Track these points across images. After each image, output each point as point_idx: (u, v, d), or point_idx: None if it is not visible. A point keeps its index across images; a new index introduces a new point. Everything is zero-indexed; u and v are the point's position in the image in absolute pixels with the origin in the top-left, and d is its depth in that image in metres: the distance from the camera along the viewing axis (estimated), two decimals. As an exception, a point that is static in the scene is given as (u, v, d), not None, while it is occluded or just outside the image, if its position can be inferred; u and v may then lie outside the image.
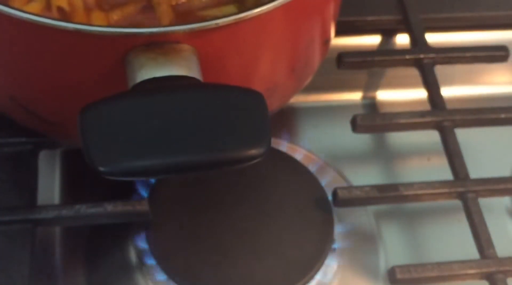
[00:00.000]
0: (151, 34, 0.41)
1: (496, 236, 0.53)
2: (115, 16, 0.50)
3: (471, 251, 0.53)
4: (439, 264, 0.52)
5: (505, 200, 0.60)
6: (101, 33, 0.41)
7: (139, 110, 0.39)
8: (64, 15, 0.50)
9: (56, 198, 0.55)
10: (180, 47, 0.42)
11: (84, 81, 0.45)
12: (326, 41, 0.54)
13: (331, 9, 0.53)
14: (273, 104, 0.53)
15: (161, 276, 0.51)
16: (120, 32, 0.41)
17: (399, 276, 0.51)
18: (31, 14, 0.41)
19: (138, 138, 0.38)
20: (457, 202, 0.55)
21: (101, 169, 0.38)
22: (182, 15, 0.51)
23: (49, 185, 0.54)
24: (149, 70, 0.41)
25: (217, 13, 0.51)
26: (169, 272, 0.51)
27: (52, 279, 0.52)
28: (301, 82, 0.55)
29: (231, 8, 0.51)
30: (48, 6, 0.50)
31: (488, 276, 0.52)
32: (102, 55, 0.43)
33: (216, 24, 0.42)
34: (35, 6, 0.50)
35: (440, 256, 0.55)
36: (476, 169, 0.56)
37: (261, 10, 0.43)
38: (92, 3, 0.51)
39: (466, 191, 0.55)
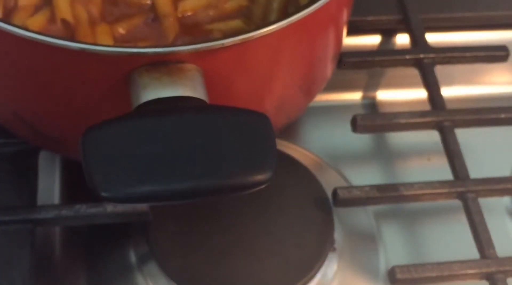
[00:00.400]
0: (156, 53, 0.41)
1: (496, 236, 0.53)
2: (120, 29, 0.50)
3: (471, 251, 0.53)
4: (439, 264, 0.52)
5: (505, 200, 0.60)
6: (106, 53, 0.41)
7: (142, 133, 0.38)
8: (68, 28, 0.49)
9: (56, 198, 0.55)
10: (185, 67, 0.41)
11: (88, 99, 0.44)
12: (335, 55, 0.53)
13: (342, 23, 0.52)
14: (280, 122, 0.52)
15: (161, 277, 0.51)
16: (125, 52, 0.41)
17: (399, 276, 0.51)
18: (34, 32, 0.41)
19: (142, 163, 0.38)
20: (457, 202, 0.55)
21: (104, 194, 0.37)
22: (188, 28, 0.50)
23: (49, 185, 0.54)
24: (154, 90, 0.40)
25: (223, 27, 0.50)
26: (169, 272, 0.51)
27: (52, 279, 0.52)
28: (309, 98, 0.54)
29: (237, 22, 0.51)
30: (52, 18, 0.50)
31: (488, 276, 0.52)
32: (106, 74, 0.42)
33: (222, 44, 0.41)
34: (39, 19, 0.50)
35: (440, 256, 0.55)
36: (476, 169, 0.56)
37: (268, 30, 0.42)
38: (97, 15, 0.50)
39: (466, 191, 0.55)
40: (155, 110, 0.40)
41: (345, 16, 0.52)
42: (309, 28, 0.46)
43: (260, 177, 0.38)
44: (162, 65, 0.41)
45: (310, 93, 0.54)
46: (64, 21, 0.50)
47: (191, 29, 0.50)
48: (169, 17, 0.50)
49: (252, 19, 0.51)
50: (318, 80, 0.53)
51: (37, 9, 0.50)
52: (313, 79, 0.52)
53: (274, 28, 0.42)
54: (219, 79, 0.43)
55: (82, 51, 0.40)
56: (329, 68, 0.53)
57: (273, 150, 0.39)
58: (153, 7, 0.51)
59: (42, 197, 0.53)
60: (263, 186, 0.38)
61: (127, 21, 0.51)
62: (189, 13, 0.51)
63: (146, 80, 0.40)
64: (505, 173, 0.60)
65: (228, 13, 0.51)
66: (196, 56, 0.41)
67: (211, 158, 0.38)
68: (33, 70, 0.44)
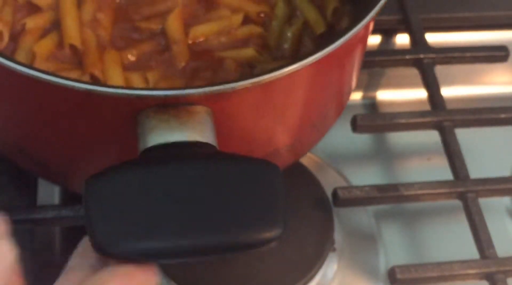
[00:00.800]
0: (166, 97, 0.39)
1: (496, 236, 0.53)
2: (130, 55, 0.49)
3: (471, 251, 0.53)
4: (439, 264, 0.52)
5: (505, 200, 0.60)
6: (113, 95, 0.39)
7: (148, 184, 0.37)
8: (76, 53, 0.49)
9: (56, 198, 0.55)
10: (194, 109, 0.39)
11: (93, 138, 0.43)
12: (349, 91, 0.52)
13: (358, 60, 0.50)
14: (289, 160, 0.51)
15: (161, 276, 0.51)
16: (133, 94, 0.39)
17: (399, 276, 0.51)
18: (39, 71, 0.39)
19: (146, 217, 0.36)
20: (457, 202, 0.55)
21: (106, 250, 0.36)
22: (199, 55, 0.49)
23: (49, 185, 0.54)
24: (161, 134, 0.39)
25: (235, 55, 0.49)
26: (169, 272, 0.51)
27: (52, 279, 0.52)
28: (320, 134, 0.53)
29: (250, 50, 0.50)
30: (60, 43, 0.49)
31: (488, 276, 0.52)
32: (112, 115, 0.41)
33: (232, 88, 0.39)
34: (46, 44, 0.49)
35: (440, 256, 0.55)
36: (476, 169, 0.56)
37: (281, 73, 0.40)
38: (106, 40, 0.49)
39: (466, 191, 0.55)
40: (161, 157, 0.38)
41: (370, 31, 0.50)
42: (329, 65, 0.44)
43: (268, 234, 0.37)
44: (171, 107, 0.39)
45: (321, 130, 0.52)
46: (72, 46, 0.48)
47: (202, 56, 0.49)
48: (179, 44, 0.49)
49: (265, 47, 0.50)
50: (330, 116, 0.52)
51: (45, 32, 0.49)
52: (324, 116, 0.51)
53: (287, 71, 0.40)
54: (229, 120, 0.42)
55: (89, 92, 0.39)
56: (341, 104, 0.52)
57: (283, 205, 0.37)
58: (163, 33, 0.50)
59: (42, 197, 0.53)
60: (272, 244, 0.37)
61: (136, 47, 0.49)
62: (200, 39, 0.50)
63: (154, 122, 0.39)
64: (505, 173, 0.60)
65: (240, 40, 0.50)
66: (206, 98, 0.40)
67: (218, 213, 0.37)
68: (38, 108, 0.43)
